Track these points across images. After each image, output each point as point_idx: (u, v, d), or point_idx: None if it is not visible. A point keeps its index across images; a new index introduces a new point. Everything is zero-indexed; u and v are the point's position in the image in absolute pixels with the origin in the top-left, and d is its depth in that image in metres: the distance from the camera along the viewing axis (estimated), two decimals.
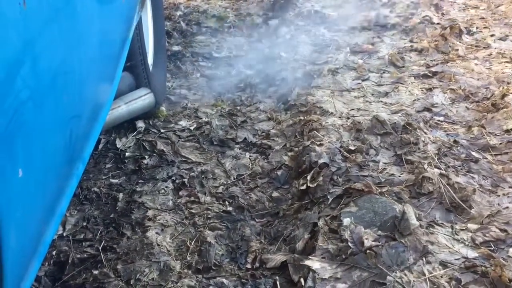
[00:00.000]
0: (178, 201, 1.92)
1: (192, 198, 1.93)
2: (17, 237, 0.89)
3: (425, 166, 1.80)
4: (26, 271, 0.97)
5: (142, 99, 2.27)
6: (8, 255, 0.84)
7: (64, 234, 1.78)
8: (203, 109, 2.60)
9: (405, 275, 1.38)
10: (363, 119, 2.21)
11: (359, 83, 2.65)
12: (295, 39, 3.37)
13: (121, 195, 1.95)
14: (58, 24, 1.04)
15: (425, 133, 2.07)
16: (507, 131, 2.06)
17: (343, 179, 1.82)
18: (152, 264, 1.62)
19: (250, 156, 2.19)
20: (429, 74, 2.68)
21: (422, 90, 2.52)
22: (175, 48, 3.38)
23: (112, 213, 1.87)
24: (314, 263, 1.47)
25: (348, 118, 2.27)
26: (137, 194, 1.96)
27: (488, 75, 2.60)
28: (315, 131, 2.16)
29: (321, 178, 1.83)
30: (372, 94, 2.53)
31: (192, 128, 2.40)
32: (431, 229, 1.55)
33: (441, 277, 1.37)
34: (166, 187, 2.00)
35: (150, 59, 2.53)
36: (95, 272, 1.59)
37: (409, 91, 2.51)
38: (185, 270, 1.61)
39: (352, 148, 2.00)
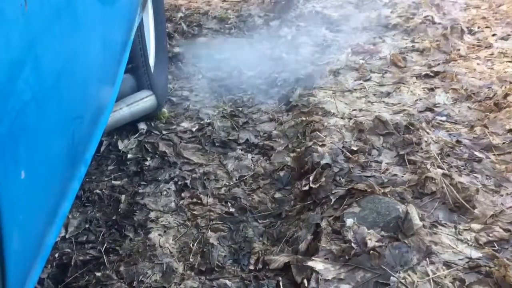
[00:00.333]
0: (181, 202, 1.92)
1: (195, 200, 1.93)
2: (19, 239, 0.88)
3: (428, 166, 1.80)
4: (29, 273, 0.97)
5: (144, 101, 2.27)
6: (10, 257, 0.84)
7: (67, 236, 1.78)
8: (204, 111, 2.59)
9: (409, 275, 1.38)
10: (365, 119, 2.21)
11: (361, 83, 2.65)
12: (296, 40, 3.37)
13: (123, 197, 1.95)
14: (60, 25, 1.04)
15: (428, 133, 2.07)
16: (509, 130, 2.05)
17: (346, 180, 1.82)
18: (155, 266, 1.62)
19: (252, 157, 2.19)
20: (431, 74, 2.68)
21: (424, 90, 2.52)
22: (177, 49, 3.38)
23: (114, 215, 1.87)
24: (317, 264, 1.46)
25: (350, 119, 2.27)
26: (139, 196, 1.96)
27: (490, 74, 2.59)
28: (317, 132, 2.16)
29: (323, 179, 1.82)
30: (374, 95, 2.52)
31: (194, 129, 2.39)
32: (434, 229, 1.55)
33: (445, 277, 1.37)
34: (168, 188, 1.99)
35: (151, 61, 2.53)
36: (98, 274, 1.59)
37: (411, 91, 2.50)
38: (188, 272, 1.60)
39: (355, 148, 1.99)
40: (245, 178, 2.05)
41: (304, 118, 2.34)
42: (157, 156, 2.20)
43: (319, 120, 2.26)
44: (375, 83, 2.65)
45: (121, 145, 2.27)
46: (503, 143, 1.98)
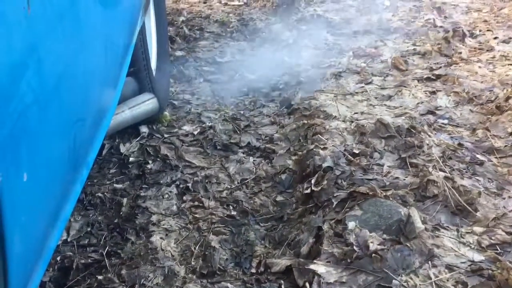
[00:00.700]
0: (182, 206, 1.92)
1: (196, 203, 1.93)
2: (21, 242, 0.88)
3: (430, 169, 1.80)
4: (31, 276, 0.97)
5: (145, 104, 2.28)
6: (12, 260, 0.84)
7: (69, 240, 1.77)
8: (206, 114, 2.60)
9: (411, 279, 1.37)
10: (367, 122, 2.21)
11: (363, 86, 2.65)
12: (297, 43, 3.38)
13: (125, 200, 1.95)
14: (62, 28, 1.04)
15: (429, 136, 2.06)
16: (511, 133, 2.05)
17: (348, 183, 1.82)
18: (156, 269, 1.62)
19: (254, 160, 2.19)
20: (432, 77, 2.68)
21: (425, 93, 2.52)
22: (178, 53, 3.39)
23: (116, 218, 1.87)
24: (319, 267, 1.46)
25: (352, 122, 2.27)
26: (141, 199, 1.96)
27: (492, 77, 2.59)
28: (319, 135, 2.16)
29: (325, 182, 1.82)
30: (376, 98, 2.52)
31: (195, 132, 2.40)
32: (436, 232, 1.54)
33: (447, 280, 1.37)
34: (170, 192, 1.99)
35: (153, 64, 2.53)
36: (100, 277, 1.59)
37: (412, 94, 2.50)
38: (190, 275, 1.60)
39: (356, 151, 1.99)
40: (246, 181, 2.05)
41: (305, 121, 2.34)
42: (159, 159, 2.20)
43: (320, 123, 2.26)
44: (377, 86, 2.65)
45: (123, 148, 2.28)
46: (505, 146, 1.97)
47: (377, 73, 2.80)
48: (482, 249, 1.47)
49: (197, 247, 1.70)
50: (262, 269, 1.60)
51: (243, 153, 2.25)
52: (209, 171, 2.11)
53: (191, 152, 2.26)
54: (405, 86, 2.60)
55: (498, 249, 1.47)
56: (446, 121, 2.22)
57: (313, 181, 1.86)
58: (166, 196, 1.97)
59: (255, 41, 3.62)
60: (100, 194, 1.99)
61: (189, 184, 2.02)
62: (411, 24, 3.56)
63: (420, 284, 1.35)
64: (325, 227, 1.62)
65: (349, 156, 1.97)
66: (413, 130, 2.07)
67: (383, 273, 1.40)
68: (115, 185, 2.05)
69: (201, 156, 2.24)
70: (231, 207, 1.91)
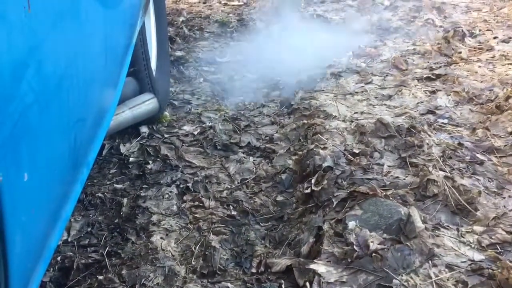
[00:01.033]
0: (183, 205, 1.92)
1: (196, 203, 1.93)
2: (22, 242, 0.89)
3: (430, 169, 1.80)
4: (31, 276, 0.97)
5: (146, 104, 2.28)
6: (13, 260, 0.84)
7: (69, 240, 1.78)
8: (206, 114, 2.60)
9: (411, 278, 1.37)
10: (367, 122, 2.21)
11: (362, 86, 2.65)
12: (297, 43, 3.38)
13: (125, 200, 1.95)
14: (62, 28, 1.04)
15: (429, 135, 2.07)
16: (511, 133, 2.05)
17: (348, 182, 1.82)
18: (157, 269, 1.62)
19: (254, 160, 2.19)
20: (432, 76, 2.68)
21: (425, 92, 2.52)
22: (178, 53, 3.39)
23: (116, 218, 1.87)
24: (319, 267, 1.46)
25: (352, 121, 2.27)
26: (141, 199, 1.96)
27: (492, 77, 2.59)
28: (319, 135, 2.16)
29: (325, 182, 1.82)
30: (376, 97, 2.52)
31: (195, 133, 2.40)
32: (436, 231, 1.54)
33: (448, 280, 1.37)
34: (170, 192, 1.99)
35: (153, 64, 2.53)
36: (100, 277, 1.59)
37: (412, 94, 2.50)
38: (190, 275, 1.60)
39: (356, 151, 1.99)
40: (247, 181, 2.05)
41: (305, 121, 2.34)
42: (159, 159, 2.20)
43: (320, 123, 2.26)
44: (377, 86, 2.65)
45: (123, 149, 2.28)
46: (505, 145, 1.97)
47: (377, 73, 2.80)
48: (482, 249, 1.47)
49: (197, 247, 1.70)
50: (262, 269, 1.60)
51: (243, 153, 2.25)
52: (209, 171, 2.11)
53: (191, 152, 2.26)
54: (405, 86, 2.60)
55: (499, 248, 1.47)
56: (446, 121, 2.22)
57: (313, 181, 1.86)
58: (166, 196, 1.97)
59: (255, 41, 3.62)
60: (100, 194, 1.99)
61: (189, 184, 2.02)
62: (411, 24, 3.56)
63: (420, 284, 1.35)
64: (325, 226, 1.62)
65: (349, 155, 1.97)
66: (413, 130, 2.07)
67: (384, 273, 1.40)
68: (115, 185, 2.05)
69: (201, 156, 2.24)
70: (231, 207, 1.91)
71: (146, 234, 1.78)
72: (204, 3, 4.57)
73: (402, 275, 1.38)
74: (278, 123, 2.48)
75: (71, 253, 1.71)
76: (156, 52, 2.64)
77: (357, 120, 2.28)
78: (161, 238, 1.75)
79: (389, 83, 2.67)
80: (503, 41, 3.13)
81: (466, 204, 1.63)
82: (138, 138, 2.35)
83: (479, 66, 2.74)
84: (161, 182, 2.06)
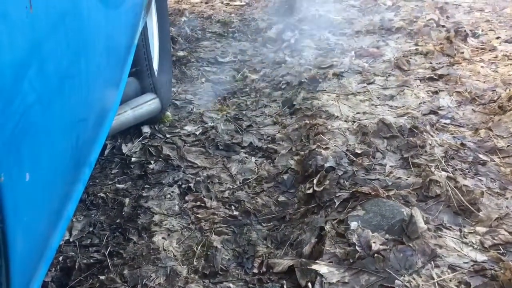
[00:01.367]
0: (184, 206, 1.92)
1: (198, 203, 1.93)
2: (24, 241, 0.88)
3: (432, 169, 1.79)
4: (33, 276, 0.97)
5: (148, 104, 2.28)
6: (15, 260, 0.84)
7: (71, 240, 1.78)
8: (208, 114, 2.60)
9: (414, 279, 1.37)
10: (369, 122, 2.21)
11: (365, 86, 2.65)
12: (299, 43, 3.38)
13: (127, 200, 1.95)
14: (65, 28, 1.04)
15: (432, 136, 2.06)
16: None
17: (350, 183, 1.81)
18: (158, 269, 1.62)
19: (256, 160, 2.19)
20: (434, 77, 2.67)
21: (428, 93, 2.51)
22: (180, 53, 3.39)
23: (118, 218, 1.87)
24: (321, 267, 1.46)
25: (354, 122, 2.26)
26: (143, 199, 1.96)
27: (494, 77, 2.59)
28: (321, 135, 2.15)
29: (327, 182, 1.82)
30: (378, 98, 2.52)
31: (197, 133, 2.40)
32: (439, 232, 1.54)
33: (450, 280, 1.36)
34: (172, 192, 1.99)
35: (155, 65, 2.53)
36: (102, 277, 1.59)
37: (415, 94, 2.50)
38: (192, 275, 1.60)
39: (359, 151, 1.99)
40: (248, 181, 2.05)
41: (307, 121, 2.34)
42: (161, 159, 2.20)
43: (322, 123, 2.26)
44: (379, 86, 2.65)
45: (125, 149, 2.28)
46: (508, 145, 1.97)
47: (379, 73, 2.80)
48: (485, 249, 1.47)
49: (199, 247, 1.70)
50: (264, 269, 1.60)
51: (245, 153, 2.25)
52: (211, 171, 2.11)
53: (193, 152, 2.26)
54: (407, 86, 2.59)
55: (501, 249, 1.46)
56: (448, 121, 2.22)
57: (315, 181, 1.86)
58: (168, 196, 1.97)
59: (257, 41, 3.62)
60: (102, 194, 1.99)
61: (191, 184, 2.02)
62: (413, 24, 3.55)
63: (422, 284, 1.35)
64: (327, 227, 1.62)
65: (351, 156, 1.97)
66: (415, 130, 2.07)
67: (386, 273, 1.40)
68: (117, 185, 2.05)
69: (203, 156, 2.24)
70: (233, 207, 1.91)
71: (148, 234, 1.78)
72: (206, 3, 4.57)
73: (404, 276, 1.38)
74: (280, 123, 2.48)
75: (73, 253, 1.71)
76: (158, 52, 2.64)
77: (359, 120, 2.27)
78: (163, 238, 1.75)
79: (391, 83, 2.67)
80: (506, 41, 3.12)
81: (468, 205, 1.63)
82: (140, 138, 2.35)
83: (482, 66, 2.73)
84: (163, 182, 2.06)
